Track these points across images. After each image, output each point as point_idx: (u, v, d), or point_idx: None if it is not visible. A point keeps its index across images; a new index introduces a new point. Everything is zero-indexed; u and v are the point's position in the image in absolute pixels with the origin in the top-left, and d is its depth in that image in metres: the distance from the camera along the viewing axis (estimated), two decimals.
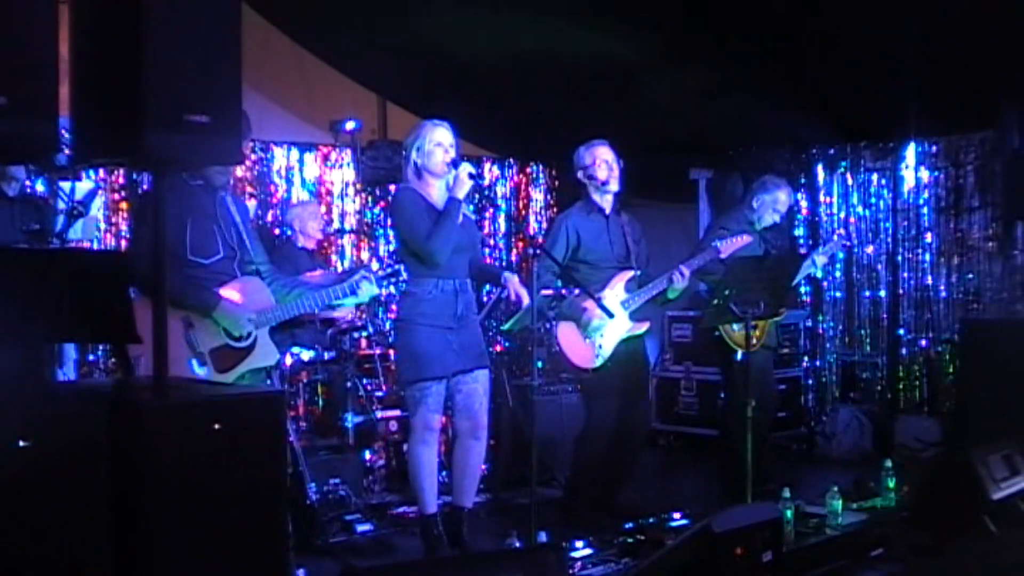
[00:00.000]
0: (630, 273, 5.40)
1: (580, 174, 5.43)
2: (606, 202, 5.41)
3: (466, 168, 4.64)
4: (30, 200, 5.71)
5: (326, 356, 6.13)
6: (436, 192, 4.73)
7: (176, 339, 3.90)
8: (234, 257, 4.15)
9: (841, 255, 6.91)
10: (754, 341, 5.27)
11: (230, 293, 4.11)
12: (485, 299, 7.87)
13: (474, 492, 4.97)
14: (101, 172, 6.60)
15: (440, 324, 4.66)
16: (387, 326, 6.47)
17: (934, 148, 7.44)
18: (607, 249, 5.38)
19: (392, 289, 4.45)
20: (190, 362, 3.99)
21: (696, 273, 5.46)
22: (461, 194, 4.65)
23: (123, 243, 6.83)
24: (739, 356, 5.75)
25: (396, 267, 4.53)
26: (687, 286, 5.38)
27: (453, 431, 4.90)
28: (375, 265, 4.60)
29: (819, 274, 6.05)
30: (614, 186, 5.38)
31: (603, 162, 5.36)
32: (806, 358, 7.88)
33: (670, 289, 5.33)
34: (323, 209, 7.78)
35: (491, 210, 8.72)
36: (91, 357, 6.59)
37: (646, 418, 5.91)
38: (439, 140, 4.70)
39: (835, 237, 6.83)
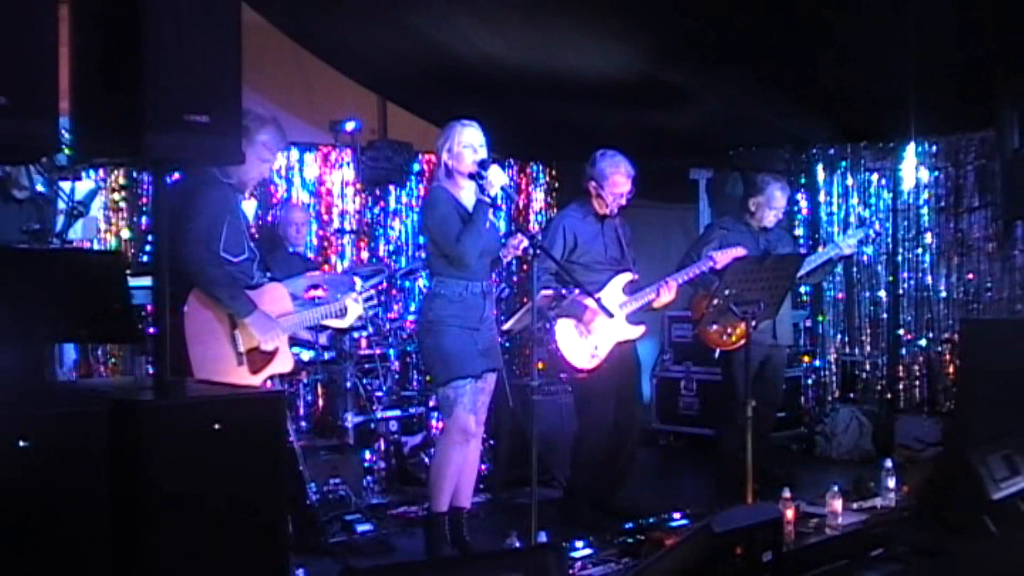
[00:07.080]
0: (628, 276, 5.42)
1: (592, 185, 5.42)
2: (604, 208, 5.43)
3: (497, 172, 4.65)
4: (33, 200, 5.70)
5: (326, 356, 6.13)
6: (465, 193, 4.74)
7: (221, 336, 3.92)
8: (254, 260, 4.16)
9: (867, 233, 6.83)
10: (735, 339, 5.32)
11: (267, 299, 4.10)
12: None
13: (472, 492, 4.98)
14: (101, 172, 6.59)
15: (468, 325, 4.68)
16: (387, 326, 6.46)
17: (934, 148, 7.42)
18: (601, 252, 5.42)
19: (370, 312, 4.61)
20: (231, 361, 3.96)
21: (689, 284, 5.49)
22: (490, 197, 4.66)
23: (123, 243, 6.83)
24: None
25: (374, 290, 4.62)
26: (673, 299, 5.40)
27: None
28: (358, 284, 4.67)
29: (846, 251, 6.07)
30: (616, 209, 5.43)
31: (621, 194, 5.37)
32: (806, 358, 7.89)
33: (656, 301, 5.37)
34: (323, 209, 7.80)
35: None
36: (91, 357, 6.58)
37: (640, 419, 5.91)
38: (468, 141, 4.70)
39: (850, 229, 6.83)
